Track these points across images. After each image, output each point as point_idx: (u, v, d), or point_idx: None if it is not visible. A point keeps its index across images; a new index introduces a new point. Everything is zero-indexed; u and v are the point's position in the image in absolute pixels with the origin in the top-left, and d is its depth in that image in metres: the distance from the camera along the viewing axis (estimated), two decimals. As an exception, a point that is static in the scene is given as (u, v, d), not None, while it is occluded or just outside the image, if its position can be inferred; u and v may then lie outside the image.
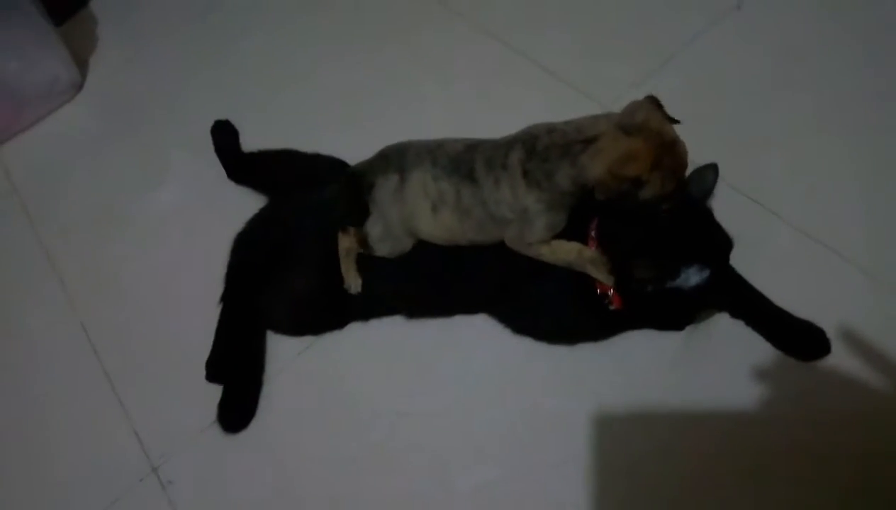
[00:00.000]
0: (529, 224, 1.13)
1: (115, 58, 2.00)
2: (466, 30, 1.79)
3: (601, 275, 1.12)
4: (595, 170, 1.04)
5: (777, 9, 1.63)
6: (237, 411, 1.29)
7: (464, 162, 1.17)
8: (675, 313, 1.14)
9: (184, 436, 1.29)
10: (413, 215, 1.20)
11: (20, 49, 1.75)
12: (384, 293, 1.31)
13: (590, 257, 1.13)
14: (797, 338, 1.16)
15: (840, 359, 1.14)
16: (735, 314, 1.20)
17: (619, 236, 1.11)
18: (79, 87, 1.92)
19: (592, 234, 1.14)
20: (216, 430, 1.28)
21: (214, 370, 1.31)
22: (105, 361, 1.41)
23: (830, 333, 1.16)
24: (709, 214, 1.13)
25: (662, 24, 1.66)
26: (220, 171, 1.59)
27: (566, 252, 1.14)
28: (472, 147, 1.18)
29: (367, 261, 1.28)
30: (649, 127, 1.02)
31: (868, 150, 1.37)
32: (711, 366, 1.18)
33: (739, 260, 1.17)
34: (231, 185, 1.57)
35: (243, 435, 1.27)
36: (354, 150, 1.34)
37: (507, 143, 1.15)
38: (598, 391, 1.20)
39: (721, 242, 1.10)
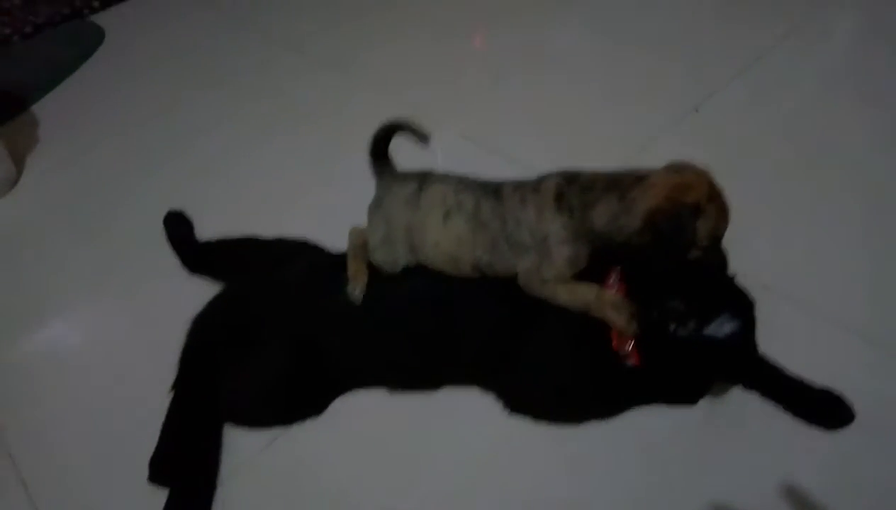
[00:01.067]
0: (549, 256, 1.06)
1: (53, 157, 1.91)
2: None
3: (622, 319, 1.03)
4: (651, 200, 1.00)
5: (729, 107, 1.72)
6: None
7: (491, 184, 1.14)
8: (695, 373, 1.06)
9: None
10: (422, 225, 1.14)
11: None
12: (365, 359, 1.18)
13: (611, 300, 1.05)
14: (818, 406, 1.09)
15: (865, 425, 1.06)
16: (749, 386, 1.13)
17: (648, 279, 1.04)
18: (13, 183, 1.80)
19: (611, 281, 1.07)
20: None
21: (159, 469, 1.10)
22: (21, 466, 1.17)
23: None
24: (729, 275, 1.09)
25: (630, 122, 1.72)
26: (167, 262, 1.46)
27: (584, 293, 1.06)
28: (507, 180, 1.15)
29: (346, 323, 1.17)
30: (696, 169, 1.04)
31: (861, 217, 1.39)
32: (735, 441, 1.08)
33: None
34: (182, 277, 1.44)
35: None
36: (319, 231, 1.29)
37: (542, 175, 1.12)
38: (612, 473, 1.06)
39: (744, 298, 1.06)
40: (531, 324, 1.09)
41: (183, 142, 1.87)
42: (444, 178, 1.17)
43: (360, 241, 1.21)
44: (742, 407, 1.11)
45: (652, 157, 1.54)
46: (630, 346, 1.04)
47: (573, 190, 1.06)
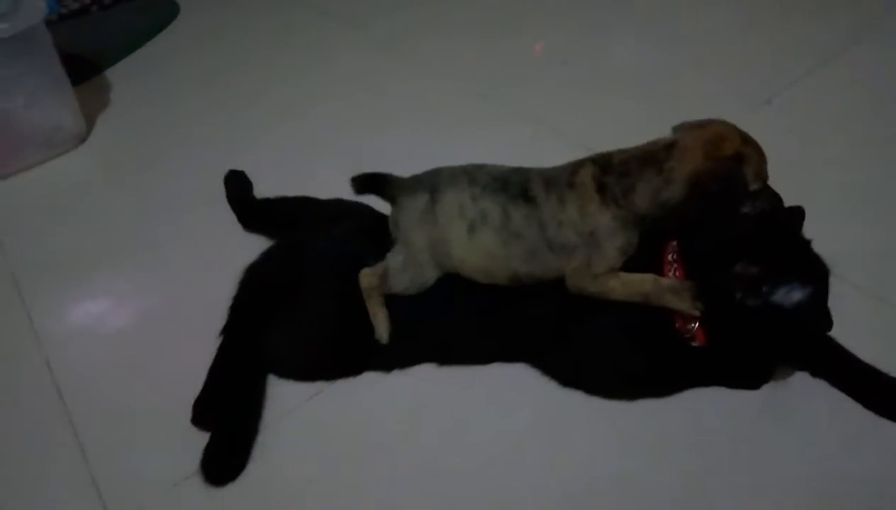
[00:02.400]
0: (599, 249, 1.00)
1: (122, 120, 1.96)
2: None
3: (685, 303, 0.98)
4: (689, 164, 0.95)
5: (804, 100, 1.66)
6: (225, 460, 1.06)
7: (513, 182, 1.05)
8: (762, 348, 1.00)
9: (154, 490, 1.05)
10: (445, 240, 1.07)
11: (31, 87, 1.69)
12: (412, 338, 1.14)
13: (669, 285, 0.99)
14: (890, 396, 1.02)
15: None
16: (817, 372, 1.06)
17: (710, 248, 0.99)
18: (82, 139, 1.85)
19: (670, 258, 1.02)
20: (194, 484, 1.04)
21: (202, 412, 1.10)
22: (68, 400, 1.19)
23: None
24: (804, 240, 1.02)
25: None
26: (226, 221, 1.47)
27: (640, 283, 1.00)
28: (521, 170, 1.08)
29: (392, 300, 1.12)
30: (717, 120, 1.00)
31: None
32: (798, 428, 1.02)
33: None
34: (240, 235, 1.45)
35: (229, 490, 1.04)
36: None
37: (572, 164, 1.05)
38: (665, 452, 1.01)
39: (819, 266, 0.99)
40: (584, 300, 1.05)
41: (243, 112, 1.90)
42: (455, 179, 1.07)
43: (373, 283, 1.11)
44: (808, 395, 1.05)
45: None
46: (695, 326, 0.99)
47: (612, 178, 0.99)
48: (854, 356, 1.05)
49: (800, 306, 0.93)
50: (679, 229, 1.01)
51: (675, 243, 1.03)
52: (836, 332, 1.06)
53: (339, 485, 1.03)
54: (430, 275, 1.11)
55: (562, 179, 1.03)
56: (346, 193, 1.35)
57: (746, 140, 0.98)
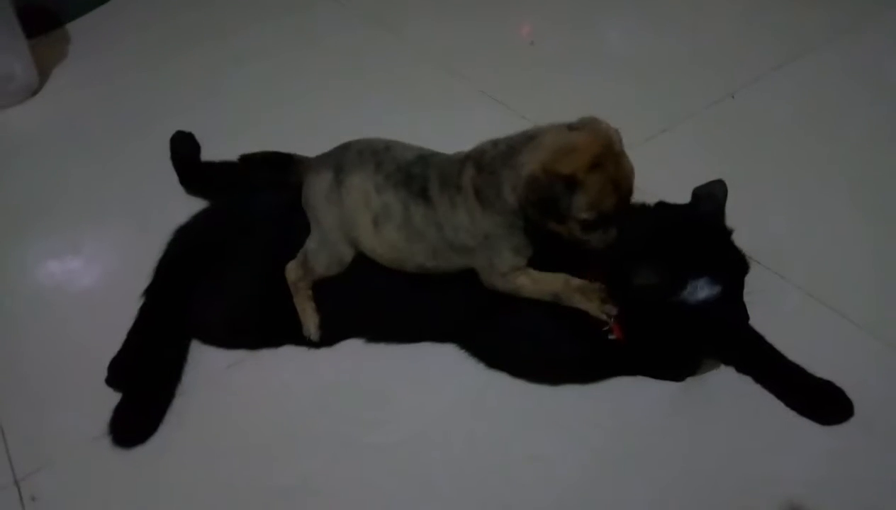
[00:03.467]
0: (495, 250, 0.98)
1: (78, 75, 1.90)
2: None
3: (593, 305, 0.97)
4: (529, 165, 0.89)
5: (767, 97, 1.64)
6: (134, 422, 1.04)
7: (416, 176, 1.01)
8: (680, 347, 0.99)
9: (63, 446, 1.03)
10: (353, 224, 1.05)
11: (-20, 35, 1.63)
12: (341, 314, 1.12)
13: (579, 285, 0.98)
14: (815, 398, 1.01)
15: (866, 423, 0.98)
16: (742, 368, 1.05)
17: (622, 241, 0.96)
18: (34, 91, 1.80)
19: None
20: (105, 444, 1.02)
21: (118, 373, 1.07)
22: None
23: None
24: (724, 231, 1.00)
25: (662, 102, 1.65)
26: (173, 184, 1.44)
27: (551, 281, 0.99)
28: (425, 158, 1.04)
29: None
30: (598, 128, 0.91)
31: (876, 212, 1.30)
32: (716, 423, 1.01)
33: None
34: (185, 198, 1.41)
35: (141, 453, 1.02)
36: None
37: (461, 160, 1.01)
38: (584, 436, 1.00)
39: (735, 260, 0.97)
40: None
41: (207, 76, 1.84)
42: (362, 162, 1.04)
43: (298, 275, 1.09)
44: (732, 391, 1.04)
45: (673, 138, 1.49)
46: (611, 321, 0.98)
47: (483, 179, 0.95)
48: (781, 355, 1.04)
49: (707, 303, 0.92)
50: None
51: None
52: (771, 331, 1.06)
53: (254, 453, 1.01)
54: (346, 253, 1.08)
55: (452, 179, 0.99)
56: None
57: (598, 166, 0.88)
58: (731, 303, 0.95)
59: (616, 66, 1.75)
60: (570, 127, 0.93)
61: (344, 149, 1.09)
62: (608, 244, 0.92)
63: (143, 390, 1.06)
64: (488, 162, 0.96)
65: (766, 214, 1.31)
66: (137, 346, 1.10)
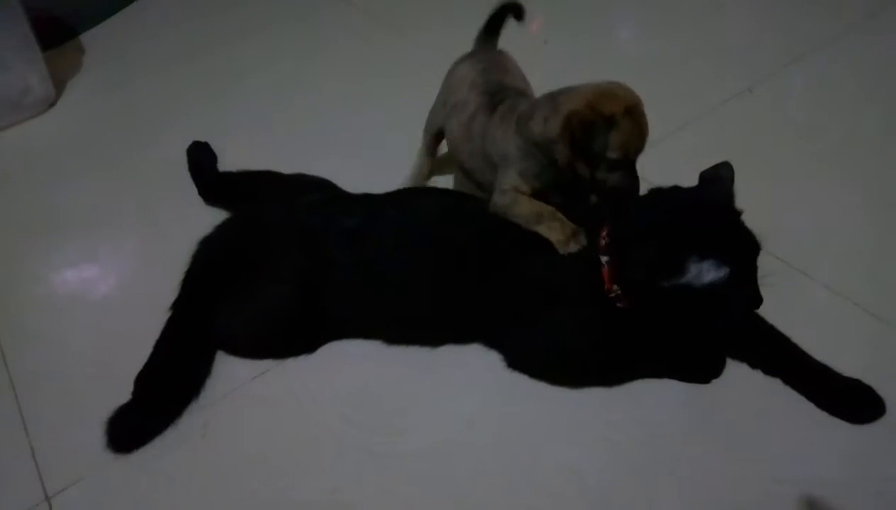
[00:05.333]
0: (506, 169, 1.10)
1: (93, 86, 1.92)
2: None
3: (554, 234, 1.03)
4: (572, 103, 1.01)
5: (785, 90, 1.62)
6: (132, 424, 1.05)
7: (500, 95, 1.17)
8: (687, 328, 0.98)
9: (92, 462, 1.03)
10: (446, 99, 1.26)
11: (-1, 50, 1.64)
12: (365, 309, 1.13)
13: (561, 219, 1.04)
14: (845, 398, 1.00)
15: (889, 423, 0.97)
16: (770, 370, 1.04)
17: (629, 221, 0.97)
18: (51, 103, 1.81)
19: (602, 242, 0.99)
20: (134, 460, 1.03)
21: (145, 387, 1.08)
22: (12, 365, 1.17)
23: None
24: (734, 213, 0.98)
25: (681, 98, 1.63)
26: (190, 195, 1.44)
27: (526, 206, 1.07)
28: (520, 93, 1.19)
29: (352, 267, 1.11)
30: (623, 87, 1.04)
31: None
32: (743, 426, 1.00)
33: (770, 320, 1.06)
34: (202, 208, 1.41)
35: (168, 466, 1.02)
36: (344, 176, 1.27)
37: (531, 101, 1.15)
38: (611, 443, 0.99)
39: (745, 242, 0.94)
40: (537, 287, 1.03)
41: (220, 84, 1.85)
42: (480, 59, 1.23)
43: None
44: (761, 393, 1.03)
45: (694, 134, 1.48)
46: (616, 289, 0.97)
47: (527, 109, 1.08)
48: (808, 355, 1.03)
49: (714, 286, 0.89)
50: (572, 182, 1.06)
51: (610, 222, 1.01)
52: (796, 330, 1.05)
53: (280, 466, 1.01)
54: (435, 122, 1.32)
55: (516, 109, 1.12)
56: (317, 168, 1.36)
57: (632, 112, 1.00)
58: (741, 287, 0.92)
59: (631, 64, 1.73)
60: (602, 84, 1.05)
61: (493, 48, 1.30)
62: (628, 187, 1.03)
63: (153, 398, 1.07)
64: (537, 100, 1.11)
65: (787, 210, 1.30)
66: (164, 361, 1.10)
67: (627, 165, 1.03)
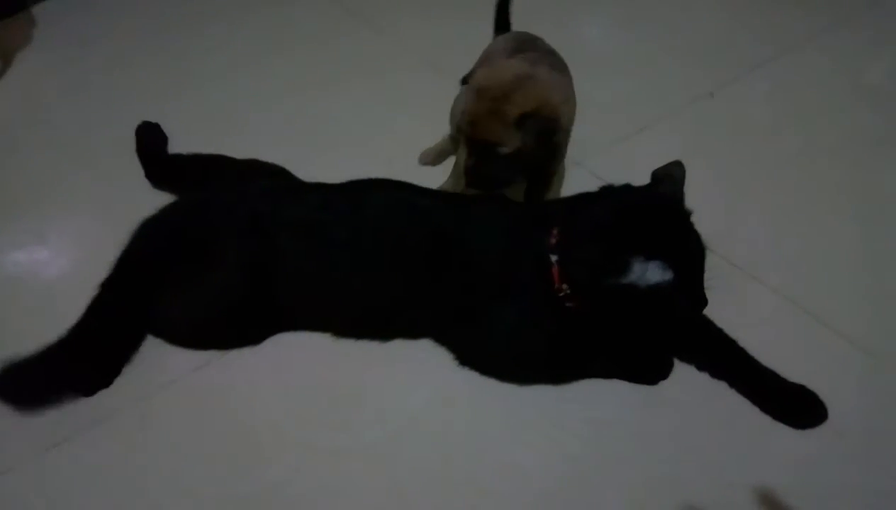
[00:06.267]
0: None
1: (44, 59, 1.84)
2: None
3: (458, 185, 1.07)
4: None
5: (745, 96, 1.63)
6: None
7: (527, 43, 1.24)
8: (633, 329, 0.98)
9: (22, 452, 0.99)
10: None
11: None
12: (313, 300, 1.10)
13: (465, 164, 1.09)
14: (789, 403, 1.00)
15: (836, 428, 0.98)
16: (716, 373, 1.05)
17: (578, 220, 0.96)
18: (-3, 76, 1.73)
19: (553, 240, 0.98)
20: (65, 451, 0.99)
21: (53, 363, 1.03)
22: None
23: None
24: (684, 214, 0.97)
25: (642, 99, 1.63)
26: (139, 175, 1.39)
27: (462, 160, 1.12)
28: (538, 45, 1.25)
29: (303, 256, 1.08)
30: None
31: (854, 214, 1.31)
32: (690, 429, 1.00)
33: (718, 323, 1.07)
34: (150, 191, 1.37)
35: (104, 460, 0.98)
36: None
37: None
38: (558, 443, 0.99)
39: (692, 244, 0.94)
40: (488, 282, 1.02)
41: (178, 63, 1.79)
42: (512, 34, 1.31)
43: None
44: (705, 395, 1.03)
45: (652, 137, 1.48)
46: (565, 287, 0.95)
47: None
48: (755, 360, 1.03)
49: (659, 288, 0.88)
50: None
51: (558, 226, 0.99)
52: (745, 335, 1.06)
53: (220, 460, 0.98)
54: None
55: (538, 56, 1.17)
56: (272, 155, 1.32)
57: None
58: (687, 290, 0.91)
59: (595, 63, 1.71)
60: None
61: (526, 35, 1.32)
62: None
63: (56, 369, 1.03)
64: None
65: (742, 215, 1.31)
66: (81, 339, 1.05)
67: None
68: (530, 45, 1.24)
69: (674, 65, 1.71)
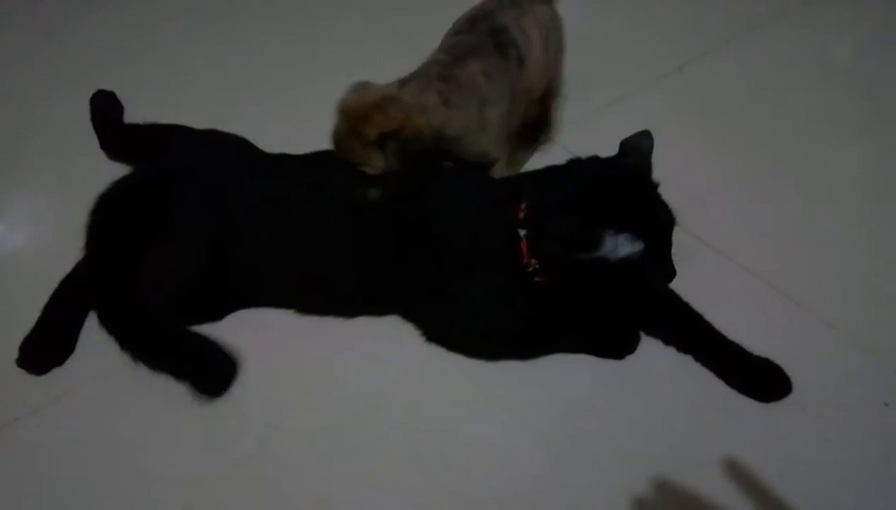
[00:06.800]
0: None
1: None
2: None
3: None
4: None
5: (715, 71, 1.63)
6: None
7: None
8: (602, 302, 0.98)
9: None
10: None
11: None
12: (275, 276, 1.07)
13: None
14: (754, 376, 1.01)
15: (802, 402, 0.99)
16: (683, 347, 1.05)
17: (546, 193, 0.95)
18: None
19: (521, 215, 0.96)
20: (18, 431, 0.95)
21: (31, 354, 1.00)
22: None
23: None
24: (651, 185, 0.96)
25: (612, 74, 1.62)
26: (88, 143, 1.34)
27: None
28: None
29: (265, 231, 1.06)
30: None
31: (821, 191, 1.31)
32: (657, 404, 1.00)
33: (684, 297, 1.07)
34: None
35: (60, 440, 0.95)
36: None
37: None
38: (527, 420, 0.98)
39: (661, 215, 0.93)
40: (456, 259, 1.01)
41: (132, 32, 1.72)
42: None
43: None
44: (672, 370, 1.03)
45: (622, 111, 1.47)
46: (535, 263, 0.94)
47: None
48: (720, 334, 1.04)
49: (629, 261, 0.88)
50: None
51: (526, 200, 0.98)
52: (713, 310, 1.06)
53: (180, 442, 0.96)
54: None
55: None
56: (233, 125, 1.28)
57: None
58: (656, 261, 0.91)
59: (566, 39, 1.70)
60: None
61: None
62: None
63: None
64: None
65: (708, 190, 1.30)
66: (52, 325, 1.02)
67: None
68: (484, 21, 1.16)
69: (644, 40, 1.70)
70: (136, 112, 1.41)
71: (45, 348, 1.02)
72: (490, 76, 1.09)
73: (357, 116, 0.99)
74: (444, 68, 1.07)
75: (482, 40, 1.11)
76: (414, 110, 1.00)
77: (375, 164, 0.99)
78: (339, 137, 1.02)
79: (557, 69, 1.26)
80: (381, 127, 0.97)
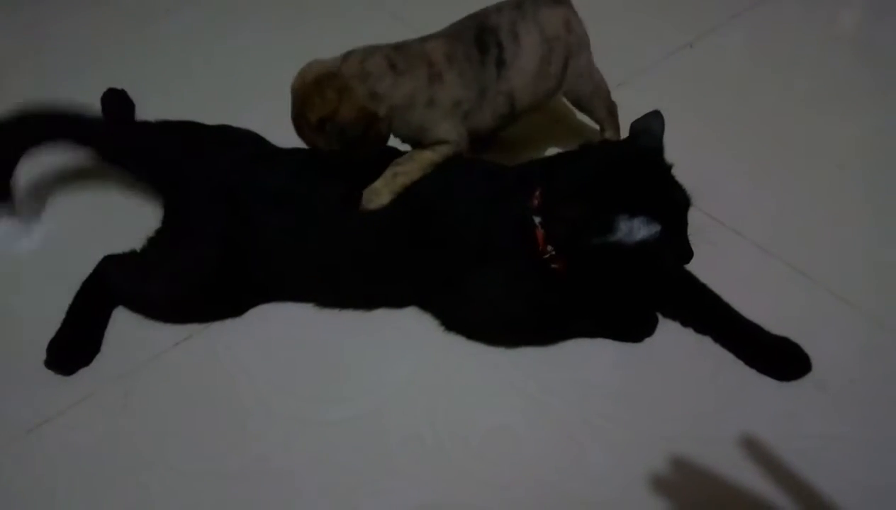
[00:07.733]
0: None
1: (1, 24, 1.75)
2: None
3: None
4: None
5: (727, 47, 1.61)
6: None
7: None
8: (620, 288, 0.98)
9: (8, 434, 0.97)
10: None
11: None
12: (293, 271, 1.08)
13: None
14: (773, 355, 1.01)
15: (820, 379, 0.99)
16: (701, 328, 1.05)
17: (560, 179, 0.95)
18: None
19: (535, 202, 0.97)
20: (50, 430, 0.97)
21: (58, 354, 1.02)
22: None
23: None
24: (665, 167, 0.96)
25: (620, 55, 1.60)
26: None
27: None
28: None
29: (282, 226, 1.06)
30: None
31: (833, 167, 1.31)
32: (674, 386, 1.01)
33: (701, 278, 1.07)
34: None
35: (88, 440, 0.97)
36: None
37: None
38: (545, 406, 0.99)
39: (676, 196, 0.93)
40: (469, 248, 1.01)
41: (138, 28, 1.72)
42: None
43: None
44: (689, 351, 1.04)
45: (634, 91, 1.46)
46: (550, 249, 0.95)
47: None
48: (738, 313, 1.04)
49: (646, 243, 0.87)
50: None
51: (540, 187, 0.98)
52: (728, 289, 1.06)
53: (207, 437, 0.97)
54: None
55: None
56: (245, 120, 1.28)
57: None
58: (672, 243, 0.91)
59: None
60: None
61: None
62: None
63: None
64: None
65: (721, 168, 1.30)
66: (78, 325, 1.04)
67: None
68: (477, 17, 1.10)
69: (650, 17, 1.69)
70: (139, 110, 1.42)
71: (73, 349, 1.04)
72: (452, 59, 1.03)
73: (301, 98, 0.99)
74: (402, 42, 1.04)
75: (463, 29, 1.07)
76: (354, 80, 0.98)
77: (323, 147, 1.00)
78: (293, 121, 1.01)
79: (566, 78, 1.17)
80: (319, 112, 0.97)
